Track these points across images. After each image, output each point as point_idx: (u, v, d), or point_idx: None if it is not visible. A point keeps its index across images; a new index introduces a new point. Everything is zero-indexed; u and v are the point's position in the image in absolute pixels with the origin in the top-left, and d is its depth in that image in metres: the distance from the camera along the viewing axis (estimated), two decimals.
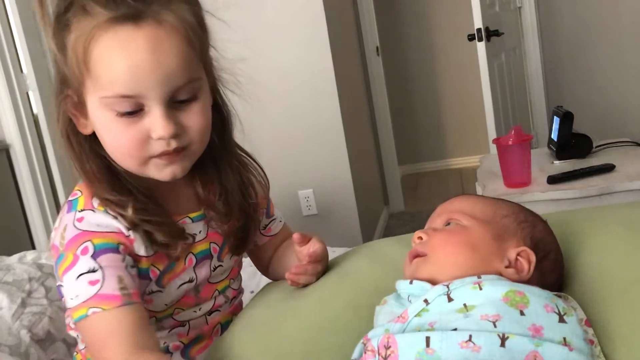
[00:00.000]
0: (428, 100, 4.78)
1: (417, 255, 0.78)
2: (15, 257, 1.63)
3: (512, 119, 3.46)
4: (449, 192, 4.12)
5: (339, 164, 2.86)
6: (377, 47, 3.83)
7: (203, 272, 0.91)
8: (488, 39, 3.03)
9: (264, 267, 1.08)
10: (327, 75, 2.78)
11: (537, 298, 0.67)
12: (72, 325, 0.93)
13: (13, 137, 2.74)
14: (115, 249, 0.79)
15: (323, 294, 0.90)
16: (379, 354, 0.66)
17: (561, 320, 0.66)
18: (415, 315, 0.69)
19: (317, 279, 0.93)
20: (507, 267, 0.74)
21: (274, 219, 1.04)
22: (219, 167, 0.91)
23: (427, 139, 4.86)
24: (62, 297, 0.88)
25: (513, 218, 0.79)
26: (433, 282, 0.73)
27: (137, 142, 0.77)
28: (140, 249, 0.82)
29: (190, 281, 0.89)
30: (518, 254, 0.75)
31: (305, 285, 0.93)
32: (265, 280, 1.10)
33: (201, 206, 0.91)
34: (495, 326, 0.64)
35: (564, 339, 0.64)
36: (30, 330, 1.21)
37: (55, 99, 0.82)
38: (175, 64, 0.75)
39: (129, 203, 0.80)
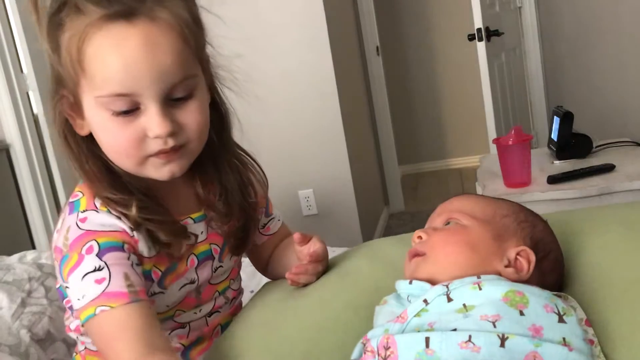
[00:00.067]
0: (428, 100, 4.78)
1: (416, 255, 0.78)
2: (15, 256, 1.63)
3: (512, 118, 3.47)
4: (449, 192, 4.12)
5: (339, 164, 2.86)
6: (377, 47, 3.83)
7: (204, 273, 0.90)
8: (488, 38, 3.03)
9: (262, 266, 1.08)
10: (327, 75, 2.78)
11: (537, 298, 0.67)
12: (72, 327, 0.93)
13: (13, 137, 2.74)
14: (120, 247, 0.78)
15: (323, 293, 0.89)
16: (378, 355, 0.66)
17: (561, 320, 0.66)
18: (415, 316, 0.69)
19: (317, 278, 0.93)
20: (506, 266, 0.74)
21: (273, 217, 1.04)
22: (219, 166, 0.90)
23: (427, 138, 4.86)
24: (64, 298, 0.88)
25: (513, 218, 0.79)
26: (432, 282, 0.73)
27: (134, 141, 0.76)
28: (143, 249, 0.81)
29: (192, 282, 0.89)
30: (518, 254, 0.75)
31: (305, 285, 0.92)
32: (265, 280, 1.10)
33: (201, 206, 0.90)
34: (494, 326, 0.64)
35: (564, 339, 0.64)
36: (30, 330, 1.21)
37: (51, 100, 0.81)
38: (170, 61, 0.74)
39: (132, 202, 0.80)
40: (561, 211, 1.02)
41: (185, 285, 0.88)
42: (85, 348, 0.93)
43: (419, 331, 0.66)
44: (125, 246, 0.79)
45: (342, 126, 2.82)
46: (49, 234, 2.75)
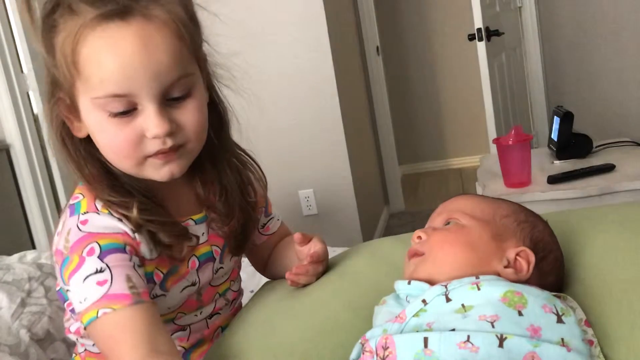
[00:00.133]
0: (428, 100, 4.78)
1: (415, 254, 0.78)
2: (15, 256, 1.63)
3: (512, 118, 3.46)
4: (449, 192, 4.12)
5: (339, 164, 2.86)
6: (377, 47, 3.83)
7: (206, 275, 0.90)
8: (488, 38, 3.03)
9: (261, 266, 1.08)
10: (327, 75, 2.78)
11: (536, 298, 0.67)
12: (72, 330, 0.92)
13: (13, 137, 2.74)
14: (122, 249, 0.77)
15: (323, 293, 0.89)
16: (377, 355, 0.66)
17: (559, 320, 0.66)
18: (413, 316, 0.69)
19: (317, 279, 0.93)
20: (506, 267, 0.74)
21: (272, 217, 1.04)
22: (218, 166, 0.90)
23: (428, 138, 4.86)
24: (65, 301, 0.87)
25: (513, 218, 0.79)
26: (431, 283, 0.73)
27: (132, 142, 0.75)
28: (145, 252, 0.80)
29: (193, 284, 0.88)
30: (517, 254, 0.74)
31: (305, 285, 0.92)
32: (265, 279, 1.10)
33: (202, 207, 0.90)
34: (493, 326, 0.64)
35: (562, 339, 0.64)
36: (29, 330, 1.21)
37: (48, 103, 0.80)
38: (166, 59, 0.73)
39: (133, 203, 0.79)
40: (561, 211, 1.02)
41: (186, 287, 0.87)
42: (85, 350, 0.93)
43: (417, 331, 0.66)
44: (127, 248, 0.78)
45: (342, 126, 2.82)
46: (49, 234, 2.76)
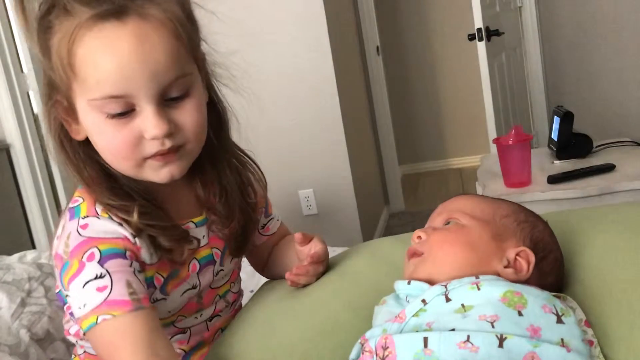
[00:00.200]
0: (428, 99, 4.78)
1: (414, 254, 0.78)
2: (16, 256, 1.63)
3: (513, 118, 3.46)
4: (449, 192, 4.12)
5: (339, 164, 2.86)
6: (377, 47, 3.83)
7: (206, 277, 0.89)
8: (488, 38, 3.03)
9: (260, 266, 1.07)
10: (327, 75, 2.78)
11: (535, 298, 0.67)
12: (72, 332, 0.92)
13: (13, 137, 2.75)
14: (122, 255, 0.76)
15: (322, 293, 0.89)
16: (376, 355, 0.66)
17: (559, 321, 0.66)
18: (413, 315, 0.69)
19: (317, 279, 0.93)
20: (506, 267, 0.74)
21: (272, 217, 1.03)
22: (217, 166, 0.89)
23: (428, 138, 4.86)
24: (65, 303, 0.86)
25: (513, 218, 0.79)
26: (431, 282, 0.73)
27: (130, 143, 0.74)
28: (145, 256, 0.79)
29: (194, 287, 0.87)
30: (517, 254, 0.74)
31: (305, 285, 0.92)
32: (265, 279, 1.10)
33: (202, 209, 0.89)
34: (493, 326, 0.64)
35: (562, 339, 0.64)
36: (29, 330, 1.21)
37: (45, 105, 0.79)
38: (163, 59, 0.72)
39: (134, 208, 0.78)
40: (561, 211, 1.02)
41: (187, 290, 0.87)
42: (85, 352, 0.92)
43: (417, 331, 0.66)
44: (127, 253, 0.77)
45: (343, 126, 2.82)
46: (49, 234, 2.76)
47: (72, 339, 0.94)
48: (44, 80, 0.78)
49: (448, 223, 0.80)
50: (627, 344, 0.69)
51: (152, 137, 0.74)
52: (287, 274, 0.91)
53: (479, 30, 2.97)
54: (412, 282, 0.75)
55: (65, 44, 0.71)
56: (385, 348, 0.65)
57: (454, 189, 4.32)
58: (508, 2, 3.65)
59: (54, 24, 0.72)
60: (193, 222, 0.87)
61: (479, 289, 0.68)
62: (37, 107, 2.82)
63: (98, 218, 0.78)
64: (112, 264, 0.75)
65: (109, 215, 0.78)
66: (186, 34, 0.75)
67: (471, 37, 3.03)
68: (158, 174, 0.78)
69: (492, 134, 3.05)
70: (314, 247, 0.92)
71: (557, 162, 2.02)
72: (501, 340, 0.62)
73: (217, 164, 0.89)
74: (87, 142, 0.79)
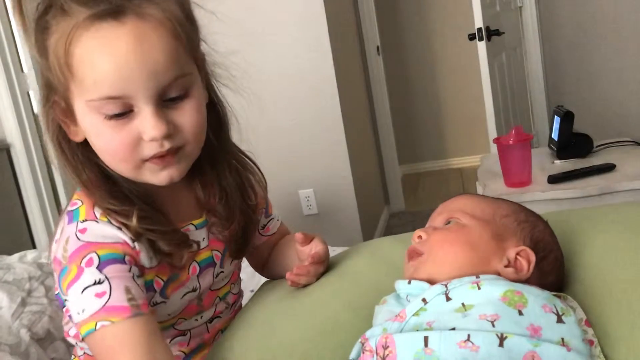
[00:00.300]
0: (429, 99, 4.78)
1: (414, 254, 0.78)
2: (16, 256, 1.63)
3: (513, 118, 3.46)
4: (449, 192, 4.12)
5: (340, 164, 2.86)
6: (377, 47, 3.83)
7: (206, 280, 0.89)
8: (489, 38, 3.03)
9: (260, 266, 1.07)
10: (327, 75, 2.78)
11: (536, 298, 0.67)
12: (71, 334, 0.92)
13: (14, 137, 2.75)
14: (121, 260, 0.76)
15: (323, 293, 0.89)
16: (377, 354, 0.66)
17: (559, 320, 0.66)
18: (413, 315, 0.69)
19: (317, 279, 0.93)
20: (506, 266, 0.74)
21: (272, 218, 1.03)
22: (217, 168, 0.88)
23: (428, 138, 4.86)
24: (64, 306, 0.86)
25: (513, 218, 0.79)
26: (432, 282, 0.73)
27: (129, 145, 0.73)
28: (145, 260, 0.79)
29: (194, 290, 0.87)
30: (518, 254, 0.74)
31: (305, 286, 0.92)
32: (265, 279, 1.10)
33: (202, 211, 0.88)
34: (493, 326, 0.64)
35: (562, 339, 0.64)
36: (30, 330, 1.21)
37: (43, 107, 0.78)
38: (162, 59, 0.71)
39: (133, 212, 0.77)
40: (561, 211, 1.02)
41: (187, 293, 0.86)
42: (85, 353, 0.92)
43: (417, 330, 0.66)
44: (126, 258, 0.76)
45: (343, 126, 2.82)
46: (50, 234, 2.76)
47: (71, 340, 0.93)
48: (42, 81, 0.77)
49: (448, 223, 0.80)
50: (627, 343, 0.69)
51: (151, 138, 0.73)
52: (288, 274, 0.90)
53: (479, 30, 2.97)
54: (413, 281, 0.75)
55: (63, 44, 0.70)
56: (385, 347, 0.65)
57: (454, 188, 4.31)
58: (508, 1, 3.65)
59: (51, 24, 0.71)
60: (193, 224, 0.87)
61: (479, 288, 0.68)
62: (37, 106, 2.82)
63: (97, 222, 0.78)
64: (111, 270, 0.75)
65: (108, 219, 0.78)
66: (185, 34, 0.74)
67: (471, 37, 3.03)
68: (157, 176, 0.77)
69: (493, 133, 3.05)
70: (315, 247, 0.92)
71: (557, 161, 2.02)
72: (501, 339, 0.62)
73: (216, 165, 0.88)
74: (85, 143, 0.78)
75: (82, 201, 0.80)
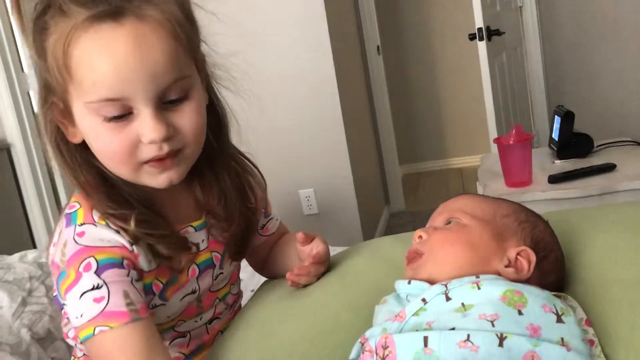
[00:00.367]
0: (429, 99, 4.78)
1: (413, 256, 0.78)
2: (16, 256, 1.63)
3: (513, 118, 3.46)
4: (449, 192, 4.12)
5: (340, 164, 2.86)
6: (378, 47, 3.83)
7: (205, 282, 0.88)
8: (489, 38, 3.03)
9: (259, 265, 1.07)
10: (328, 75, 2.78)
11: (535, 298, 0.67)
12: (70, 335, 0.91)
13: (14, 136, 2.75)
14: (119, 264, 0.75)
15: (322, 293, 0.89)
16: (376, 354, 0.66)
17: (559, 320, 0.66)
18: (413, 315, 0.69)
19: (318, 279, 0.93)
20: (506, 266, 0.74)
21: (272, 218, 1.03)
22: (217, 170, 0.87)
23: (428, 138, 4.85)
24: (62, 308, 0.86)
25: (514, 218, 0.79)
26: (432, 282, 0.73)
27: (127, 147, 0.73)
28: (144, 264, 0.78)
29: (193, 292, 0.87)
30: (518, 254, 0.74)
31: (305, 286, 0.92)
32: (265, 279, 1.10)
33: (201, 213, 0.88)
34: (493, 325, 0.64)
35: (562, 339, 0.64)
36: (30, 329, 1.21)
37: (41, 108, 0.77)
38: (161, 61, 0.70)
39: (131, 216, 0.76)
40: (561, 211, 1.02)
41: (186, 295, 0.86)
42: (84, 355, 0.92)
43: (417, 330, 0.66)
44: (125, 262, 0.76)
45: (343, 125, 2.82)
46: (50, 233, 2.75)
47: (70, 342, 0.93)
48: (40, 82, 0.76)
49: (449, 223, 0.80)
50: (627, 343, 0.69)
51: (150, 141, 0.72)
52: (288, 274, 0.90)
53: (480, 29, 2.97)
54: (413, 281, 0.75)
55: (61, 45, 0.69)
56: (385, 347, 0.65)
57: (454, 188, 4.31)
58: (509, 1, 3.65)
59: (49, 24, 0.70)
60: (192, 226, 0.86)
61: (479, 288, 0.68)
62: (37, 107, 2.82)
63: (95, 226, 0.77)
64: (109, 274, 0.74)
65: (106, 222, 0.77)
66: (185, 35, 0.74)
67: (472, 37, 3.03)
68: (156, 179, 0.77)
69: (493, 133, 3.05)
70: (316, 247, 0.92)
71: (557, 161, 2.02)
72: (501, 339, 0.62)
73: (216, 167, 0.88)
74: (84, 145, 0.78)
75: (80, 204, 0.80)
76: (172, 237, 0.81)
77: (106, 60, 0.69)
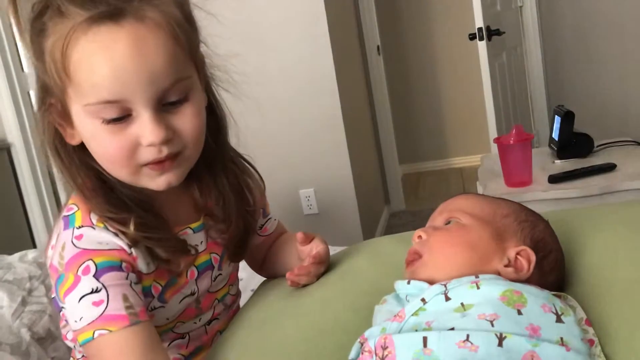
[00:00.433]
0: (429, 99, 4.78)
1: (412, 258, 0.78)
2: (16, 255, 1.62)
3: (513, 118, 3.46)
4: (449, 192, 4.12)
5: (340, 163, 2.87)
6: (378, 46, 3.83)
7: (204, 283, 0.88)
8: (489, 38, 3.03)
9: (258, 265, 1.07)
10: (328, 74, 2.78)
11: (535, 298, 0.67)
12: (69, 337, 0.91)
13: (14, 136, 2.75)
14: (118, 267, 0.75)
15: (322, 293, 0.89)
16: (376, 354, 0.66)
17: (558, 320, 0.66)
18: (412, 315, 0.69)
19: (317, 279, 0.92)
20: (506, 266, 0.74)
21: (270, 218, 1.03)
22: (215, 171, 0.87)
23: (428, 138, 4.86)
24: (60, 310, 0.86)
25: (514, 217, 0.79)
26: (431, 282, 0.73)
27: (126, 150, 0.72)
28: (142, 266, 0.78)
29: (192, 294, 0.86)
30: (518, 254, 0.74)
31: (305, 285, 0.92)
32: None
33: (200, 214, 0.87)
34: (492, 325, 0.64)
35: (561, 339, 0.64)
36: (30, 329, 1.21)
37: (39, 109, 0.76)
38: (161, 62, 0.70)
39: (130, 219, 0.76)
40: (562, 210, 1.02)
41: (185, 297, 0.86)
42: (83, 356, 0.91)
43: (416, 330, 0.66)
44: (124, 265, 0.75)
45: (343, 125, 2.83)
46: (50, 233, 2.75)
47: (69, 343, 0.93)
48: (38, 83, 0.76)
49: (449, 222, 0.80)
50: (627, 343, 0.69)
51: (149, 143, 0.72)
52: (288, 273, 0.90)
53: (480, 29, 2.97)
54: (412, 281, 0.75)
55: (60, 47, 0.69)
56: (384, 348, 0.65)
57: (454, 188, 4.32)
58: (509, 1, 3.65)
59: (47, 26, 0.70)
60: (191, 227, 0.86)
61: (478, 288, 0.68)
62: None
63: (93, 228, 0.76)
64: (108, 278, 0.74)
65: (105, 225, 0.77)
66: (185, 36, 0.73)
67: (472, 37, 3.03)
68: (155, 181, 0.77)
69: (493, 133, 3.05)
70: (316, 247, 0.92)
71: (558, 161, 2.02)
72: (500, 339, 0.62)
73: (214, 169, 0.87)
74: (82, 147, 0.77)
75: (77, 206, 0.79)
76: (171, 240, 0.81)
77: (105, 62, 0.68)
